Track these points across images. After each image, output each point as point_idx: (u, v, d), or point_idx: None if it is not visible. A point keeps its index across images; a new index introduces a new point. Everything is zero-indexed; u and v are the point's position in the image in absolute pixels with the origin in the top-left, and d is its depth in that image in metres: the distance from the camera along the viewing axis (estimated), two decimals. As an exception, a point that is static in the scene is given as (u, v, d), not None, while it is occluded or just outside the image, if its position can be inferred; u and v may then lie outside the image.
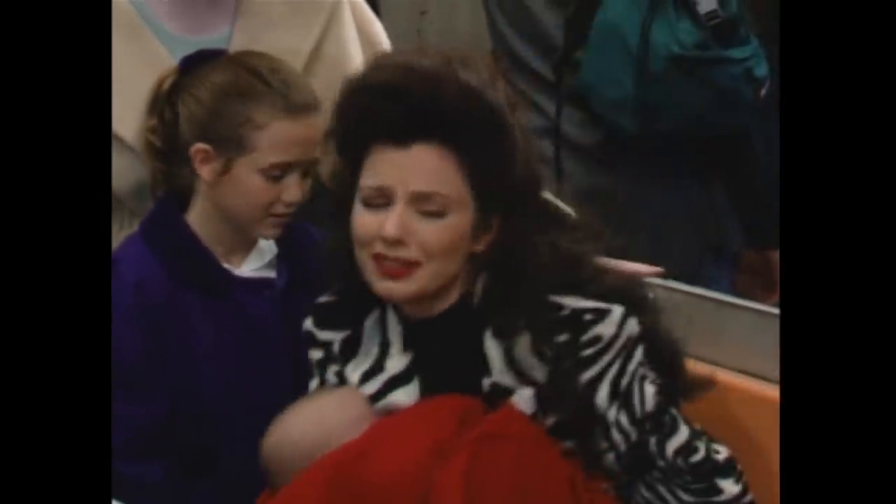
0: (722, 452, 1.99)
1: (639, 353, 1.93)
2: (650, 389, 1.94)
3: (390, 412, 1.97)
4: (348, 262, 1.96)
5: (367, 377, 1.99)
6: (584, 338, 1.90)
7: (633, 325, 1.93)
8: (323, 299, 2.04)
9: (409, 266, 1.90)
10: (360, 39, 2.43)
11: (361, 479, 1.87)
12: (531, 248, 1.93)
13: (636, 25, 2.63)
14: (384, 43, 2.49)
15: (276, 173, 2.07)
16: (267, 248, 2.15)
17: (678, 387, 2.01)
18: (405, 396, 1.98)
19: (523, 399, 1.92)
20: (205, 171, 2.07)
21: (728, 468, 1.97)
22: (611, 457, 1.94)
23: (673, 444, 1.96)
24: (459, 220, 1.90)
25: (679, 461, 1.95)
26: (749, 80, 2.65)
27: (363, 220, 1.90)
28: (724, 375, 2.14)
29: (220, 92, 2.07)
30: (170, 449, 2.10)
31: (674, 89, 2.62)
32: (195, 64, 2.12)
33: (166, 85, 2.12)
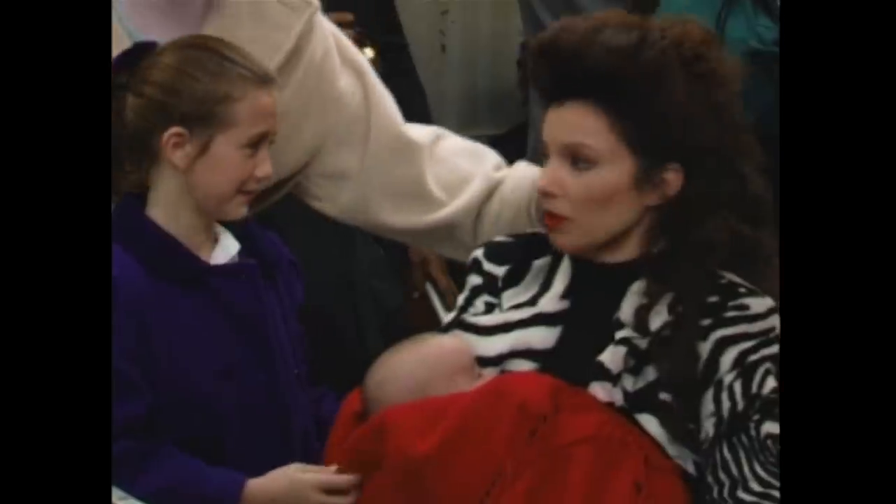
0: None
1: (775, 348, 1.93)
2: (772, 381, 1.94)
3: (521, 347, 2.01)
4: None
5: (518, 307, 2.05)
6: (732, 303, 1.95)
7: (778, 321, 1.92)
8: (499, 238, 2.16)
9: (559, 220, 1.98)
10: (344, 64, 2.38)
11: (425, 489, 1.90)
12: (710, 222, 1.97)
13: (711, 18, 2.59)
14: (365, 65, 2.42)
15: (253, 144, 2.06)
16: (230, 243, 2.14)
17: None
18: (542, 336, 2.02)
19: (617, 354, 1.95)
20: (178, 157, 2.05)
21: None
22: (710, 423, 1.94)
23: (770, 428, 1.94)
24: (612, 173, 1.96)
25: (770, 443, 1.94)
26: (827, 77, 2.59)
27: (540, 174, 2.03)
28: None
29: (179, 71, 2.05)
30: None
31: (749, 85, 2.58)
32: (131, 59, 2.09)
33: None
